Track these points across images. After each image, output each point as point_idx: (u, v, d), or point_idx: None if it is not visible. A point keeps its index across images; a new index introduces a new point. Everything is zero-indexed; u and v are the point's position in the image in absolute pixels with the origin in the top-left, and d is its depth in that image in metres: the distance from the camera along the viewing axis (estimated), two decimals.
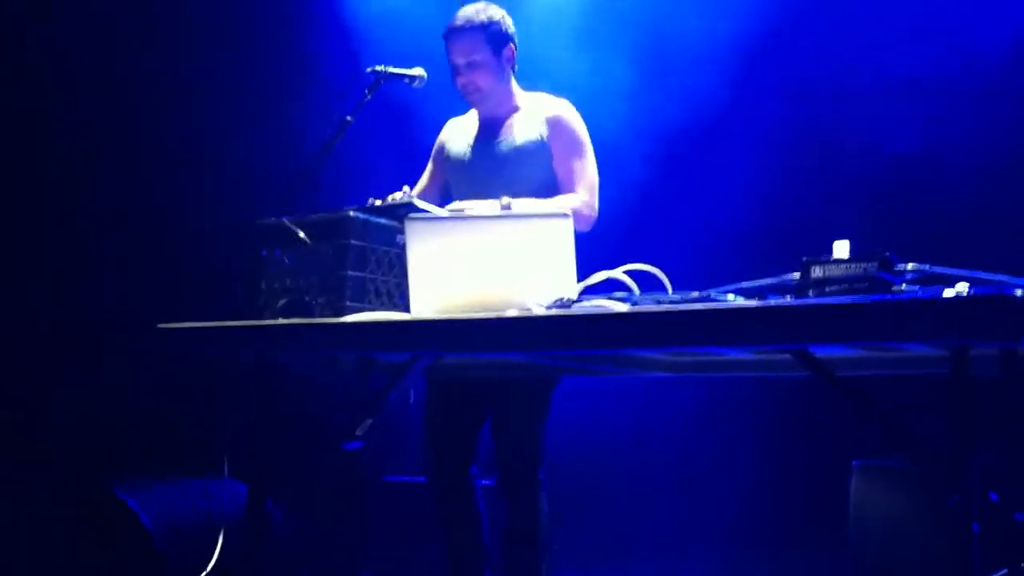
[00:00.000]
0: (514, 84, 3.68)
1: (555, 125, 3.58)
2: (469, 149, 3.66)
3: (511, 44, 3.61)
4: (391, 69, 3.48)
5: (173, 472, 4.49)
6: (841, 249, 2.40)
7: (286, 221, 2.94)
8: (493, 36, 3.55)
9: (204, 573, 3.92)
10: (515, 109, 3.65)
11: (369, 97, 3.38)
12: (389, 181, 3.62)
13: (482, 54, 3.53)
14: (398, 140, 3.73)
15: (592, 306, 2.40)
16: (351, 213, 2.92)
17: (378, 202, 3.16)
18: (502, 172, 3.55)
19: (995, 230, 4.36)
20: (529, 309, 2.46)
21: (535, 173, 3.55)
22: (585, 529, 4.00)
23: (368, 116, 3.44)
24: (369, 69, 3.45)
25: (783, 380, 3.09)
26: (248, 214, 3.07)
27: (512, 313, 2.46)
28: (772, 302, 2.21)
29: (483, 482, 3.76)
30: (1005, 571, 2.62)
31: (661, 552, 4.95)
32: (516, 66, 3.67)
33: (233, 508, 4.06)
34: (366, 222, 2.95)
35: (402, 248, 2.77)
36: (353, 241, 2.90)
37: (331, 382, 4.25)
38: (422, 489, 5.04)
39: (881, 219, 4.51)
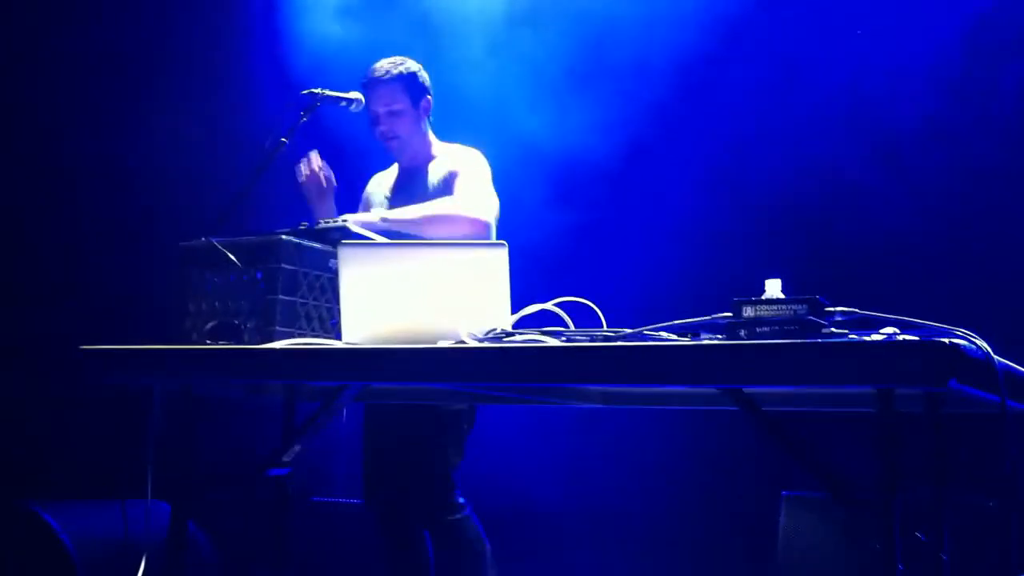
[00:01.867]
0: (431, 135, 3.82)
1: (459, 168, 3.69)
2: (386, 200, 3.78)
3: (428, 96, 3.77)
4: (327, 92, 3.46)
5: (93, 493, 4.39)
6: (772, 287, 2.42)
7: (216, 243, 2.89)
8: (411, 87, 3.71)
9: None
10: (430, 158, 3.78)
11: (305, 119, 3.35)
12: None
13: (401, 104, 3.69)
14: (335, 164, 3.69)
15: (525, 340, 2.38)
16: (283, 236, 2.88)
17: (307, 225, 3.12)
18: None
19: (928, 274, 4.44)
20: (462, 340, 2.44)
21: None
22: (512, 559, 3.99)
23: (305, 139, 3.42)
24: (305, 91, 3.42)
25: (716, 410, 3.10)
26: (178, 235, 3.00)
27: (444, 344, 2.43)
28: (704, 342, 2.22)
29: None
30: None
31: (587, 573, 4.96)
32: (431, 117, 3.80)
33: (156, 530, 3.98)
34: (298, 246, 2.91)
35: (335, 273, 2.73)
36: (284, 265, 2.86)
37: (259, 405, 4.19)
38: (351, 510, 5.03)
39: (813, 258, 4.57)
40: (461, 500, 3.62)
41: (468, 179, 3.65)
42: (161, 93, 5.07)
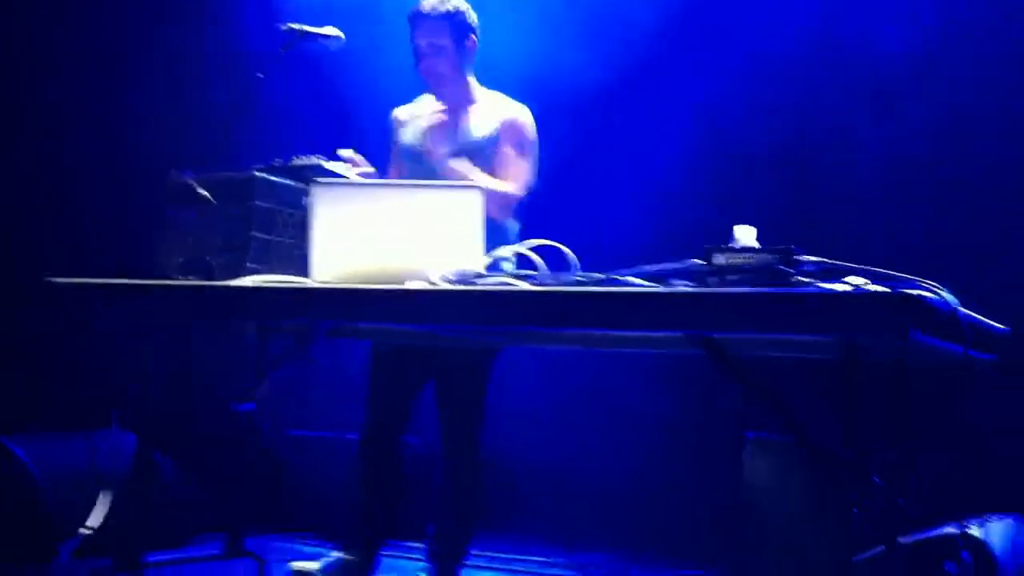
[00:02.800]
0: (472, 78, 3.72)
1: (509, 127, 3.64)
2: (423, 135, 3.62)
3: (473, 36, 3.67)
4: (307, 28, 3.41)
5: (59, 425, 4.39)
6: (743, 233, 2.43)
7: (190, 180, 2.87)
8: (457, 25, 3.61)
9: (93, 523, 3.87)
10: (472, 102, 3.69)
11: (284, 53, 3.31)
12: (307, 142, 3.57)
13: (445, 40, 3.59)
14: (315, 101, 3.65)
15: (495, 282, 2.39)
16: (257, 174, 2.86)
17: (281, 162, 3.10)
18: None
19: (901, 226, 4.47)
20: (433, 281, 2.45)
21: (485, 168, 3.57)
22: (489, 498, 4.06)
23: (287, 75, 3.37)
24: (284, 26, 3.37)
25: (686, 354, 3.14)
26: (157, 172, 2.98)
27: (413, 285, 2.44)
28: (672, 289, 2.23)
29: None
30: (883, 548, 2.71)
31: (559, 518, 5.01)
32: (474, 56, 3.69)
33: (123, 461, 4.00)
34: (272, 183, 2.90)
35: (308, 210, 2.72)
36: (258, 202, 2.85)
37: (229, 340, 4.19)
38: (326, 443, 5.07)
39: (789, 208, 4.59)
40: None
41: (517, 153, 3.62)
42: (138, 27, 4.97)
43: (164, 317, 2.82)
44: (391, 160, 3.78)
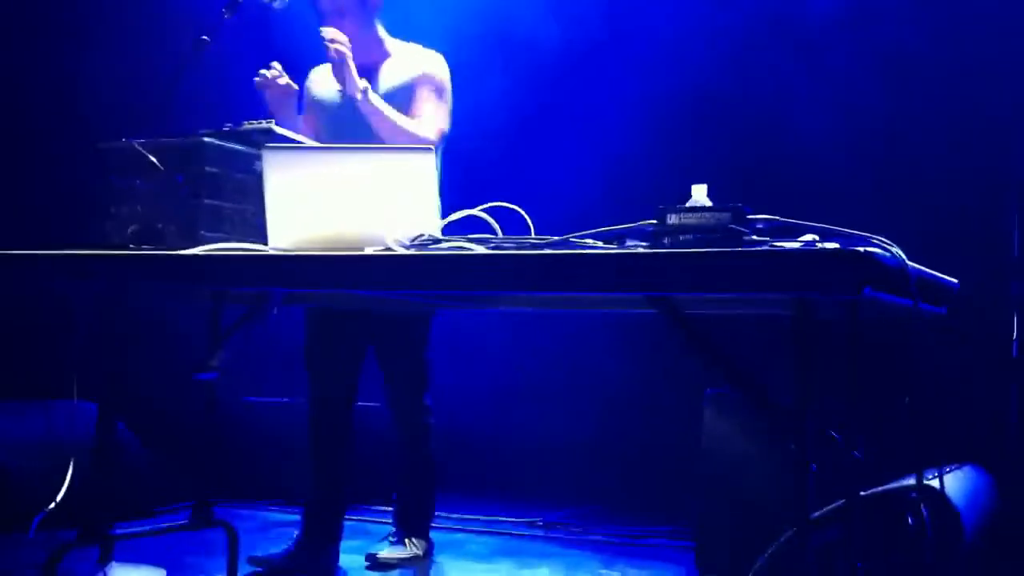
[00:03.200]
0: (381, 31, 3.72)
1: (422, 74, 3.65)
2: (338, 95, 3.65)
3: None
4: None
5: (15, 395, 4.35)
6: (699, 193, 2.44)
7: (137, 145, 2.82)
8: None
9: (57, 495, 3.84)
10: (385, 56, 3.69)
11: (228, 16, 3.26)
12: (252, 106, 3.53)
13: (346, 1, 3.57)
14: (260, 64, 3.59)
15: (452, 247, 2.38)
16: (206, 139, 2.82)
17: (231, 127, 3.06)
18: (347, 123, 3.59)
19: (851, 181, 4.50)
20: (388, 247, 2.44)
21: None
22: (451, 454, 4.08)
23: (231, 37, 3.33)
24: None
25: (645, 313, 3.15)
26: (100, 138, 2.93)
27: (370, 250, 2.43)
28: (627, 250, 2.24)
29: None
30: (843, 502, 2.75)
31: (523, 478, 5.05)
32: (380, 12, 3.69)
33: (83, 431, 3.97)
34: (222, 148, 2.86)
35: (259, 176, 2.69)
36: (208, 168, 2.81)
37: (184, 308, 4.16)
38: (283, 409, 5.06)
39: (741, 166, 4.61)
40: None
41: (430, 96, 3.62)
42: None
43: (119, 286, 2.79)
44: (304, 113, 3.77)
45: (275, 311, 3.64)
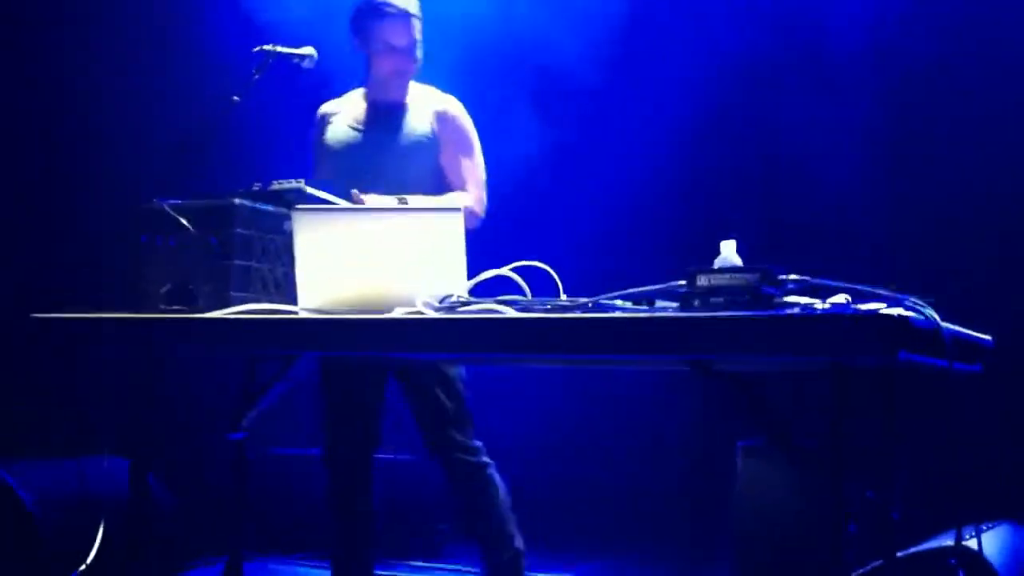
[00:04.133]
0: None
1: (444, 119, 3.61)
2: (355, 132, 3.62)
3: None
4: (279, 48, 3.38)
5: (50, 452, 4.37)
6: (728, 249, 2.43)
7: (167, 207, 2.85)
8: (419, 23, 3.58)
9: (90, 554, 3.85)
10: (405, 94, 3.65)
11: (257, 77, 3.28)
12: (282, 164, 3.56)
13: (419, 37, 3.56)
14: (287, 120, 3.63)
15: (481, 309, 2.38)
16: (236, 200, 2.84)
17: (260, 186, 3.07)
18: (392, 161, 3.54)
19: (883, 239, 4.47)
20: (418, 309, 2.44)
21: (426, 164, 3.56)
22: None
23: (261, 96, 3.35)
24: (257, 48, 3.35)
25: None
26: (130, 199, 2.96)
27: (400, 312, 2.43)
28: (659, 313, 2.23)
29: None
30: (880, 562, 2.71)
31: (557, 530, 5.01)
32: None
33: (115, 488, 3.98)
34: (252, 209, 2.88)
35: (290, 236, 2.70)
36: (239, 230, 2.83)
37: (217, 365, 4.17)
38: (310, 461, 5.05)
39: (769, 225, 4.59)
40: None
41: (476, 162, 3.59)
42: (107, 48, 4.92)
43: (153, 348, 2.80)
44: (314, 158, 3.71)
45: (307, 367, 3.64)
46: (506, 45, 4.98)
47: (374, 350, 2.47)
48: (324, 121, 3.70)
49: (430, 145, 3.58)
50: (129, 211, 2.94)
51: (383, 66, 3.58)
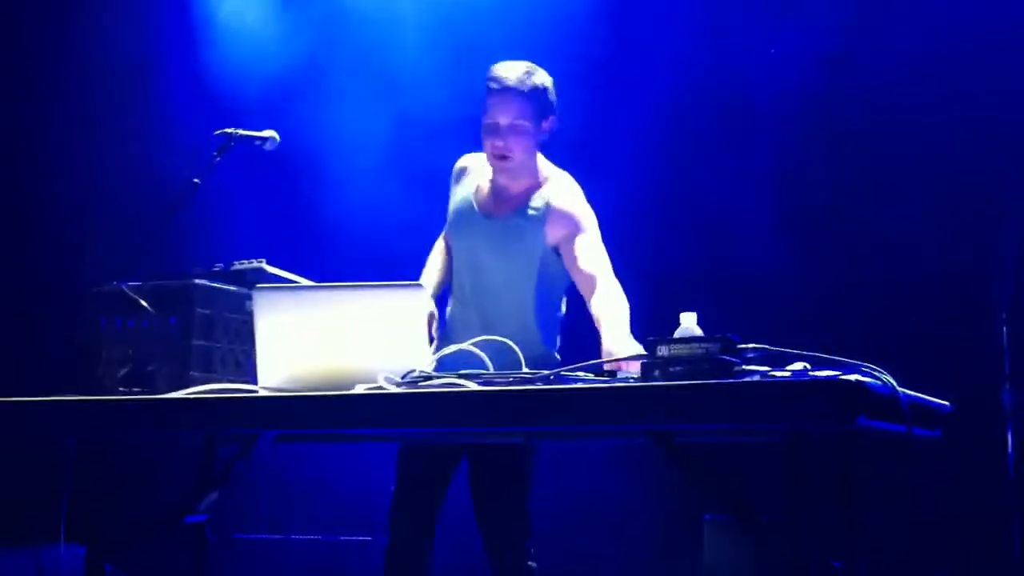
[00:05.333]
0: (541, 157, 3.42)
1: (562, 215, 3.31)
2: (476, 212, 3.40)
3: (553, 116, 3.34)
4: (241, 131, 3.40)
5: (4, 542, 4.28)
6: (688, 320, 2.45)
7: (127, 288, 2.84)
8: (540, 103, 3.29)
9: None
10: (538, 184, 3.38)
11: (218, 159, 3.29)
12: (244, 245, 3.56)
13: (527, 121, 3.27)
14: (250, 200, 3.64)
15: (443, 383, 2.38)
16: (196, 281, 2.85)
17: (221, 267, 3.07)
18: (501, 242, 3.33)
19: (840, 308, 4.53)
20: (379, 385, 2.44)
21: (531, 247, 3.32)
22: None
23: (223, 178, 3.36)
24: (218, 131, 3.37)
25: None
26: (90, 281, 2.95)
27: (360, 388, 2.43)
28: (618, 384, 2.24)
29: None
30: None
31: None
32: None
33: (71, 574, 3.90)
34: (212, 289, 2.88)
35: (251, 315, 2.71)
36: (198, 309, 2.83)
37: (177, 447, 4.13)
38: (273, 546, 4.98)
39: (728, 288, 4.64)
40: None
41: (605, 258, 3.29)
42: (69, 127, 4.94)
43: (110, 431, 2.77)
44: (447, 216, 3.52)
45: (267, 449, 3.60)
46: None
47: (332, 427, 2.45)
48: (456, 177, 3.51)
49: (533, 231, 3.31)
50: (89, 294, 2.93)
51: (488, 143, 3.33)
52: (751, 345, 2.25)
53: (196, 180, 3.21)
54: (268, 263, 3.06)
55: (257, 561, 5.03)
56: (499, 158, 3.29)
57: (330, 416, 2.38)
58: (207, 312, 2.85)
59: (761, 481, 2.73)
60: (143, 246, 3.06)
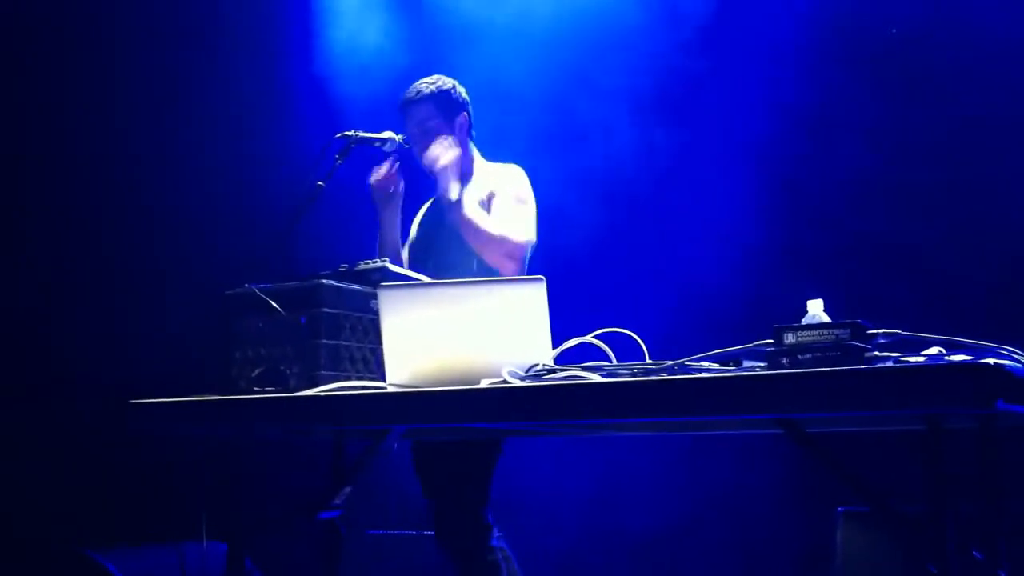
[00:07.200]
0: (473, 152, 3.70)
1: (501, 185, 3.60)
2: (418, 225, 3.73)
3: (464, 112, 3.65)
4: (361, 134, 3.47)
5: (149, 538, 4.44)
6: (815, 308, 2.40)
7: (256, 290, 2.92)
8: (445, 105, 3.61)
9: None
10: (469, 179, 3.64)
11: (340, 162, 3.36)
12: (367, 245, 3.63)
13: (434, 121, 3.58)
14: (368, 204, 3.70)
15: (567, 376, 2.38)
16: (323, 281, 2.90)
17: (347, 267, 3.14)
18: (440, 242, 3.60)
19: (970, 288, 4.38)
20: (503, 378, 2.45)
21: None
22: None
23: (344, 180, 3.43)
24: (339, 134, 3.43)
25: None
26: (219, 284, 3.04)
27: (486, 383, 2.44)
28: (745, 373, 2.20)
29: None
30: None
31: None
32: (473, 133, 3.70)
33: (215, 572, 4.01)
34: (339, 289, 2.93)
35: (376, 314, 2.75)
36: (326, 309, 2.88)
37: (308, 445, 4.22)
38: (405, 542, 5.05)
39: (856, 277, 4.53)
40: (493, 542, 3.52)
41: (505, 200, 3.55)
42: (201, 140, 5.08)
43: (248, 429, 2.85)
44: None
45: (395, 445, 3.67)
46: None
47: (461, 421, 2.48)
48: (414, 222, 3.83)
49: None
50: (221, 297, 3.01)
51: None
52: (882, 331, 2.19)
53: (320, 183, 3.28)
54: (391, 262, 3.11)
55: (389, 557, 5.11)
56: (425, 163, 3.53)
57: (457, 411, 2.41)
58: (335, 312, 2.90)
59: (891, 471, 2.67)
60: (271, 248, 3.13)
